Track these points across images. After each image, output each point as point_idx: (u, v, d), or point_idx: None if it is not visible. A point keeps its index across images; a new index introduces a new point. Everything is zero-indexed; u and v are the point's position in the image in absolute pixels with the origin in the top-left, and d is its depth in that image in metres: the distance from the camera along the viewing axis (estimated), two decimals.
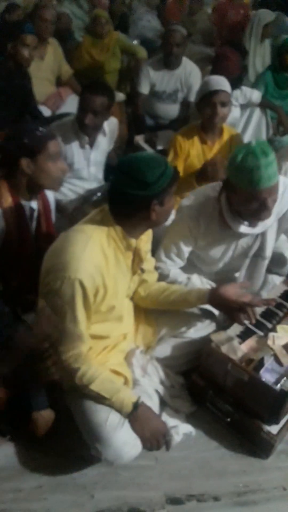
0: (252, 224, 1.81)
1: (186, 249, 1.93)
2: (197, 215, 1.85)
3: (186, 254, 1.95)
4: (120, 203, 1.43)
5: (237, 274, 2.02)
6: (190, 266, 2.04)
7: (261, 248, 1.91)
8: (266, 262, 1.98)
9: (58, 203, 2.57)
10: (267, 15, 4.34)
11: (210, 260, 1.97)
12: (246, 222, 1.80)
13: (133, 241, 1.48)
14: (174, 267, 1.97)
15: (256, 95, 3.36)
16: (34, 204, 1.83)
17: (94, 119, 2.41)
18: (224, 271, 2.02)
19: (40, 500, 1.57)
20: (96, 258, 1.39)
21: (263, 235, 1.88)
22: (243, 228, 1.81)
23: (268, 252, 1.93)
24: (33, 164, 1.67)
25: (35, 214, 1.85)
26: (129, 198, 1.38)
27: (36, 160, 1.67)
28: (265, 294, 2.10)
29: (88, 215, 1.53)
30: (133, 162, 1.39)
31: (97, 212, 1.50)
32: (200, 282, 1.93)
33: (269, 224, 1.84)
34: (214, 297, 1.69)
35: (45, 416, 1.54)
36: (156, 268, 1.92)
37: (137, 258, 1.57)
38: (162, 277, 1.92)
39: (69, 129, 2.50)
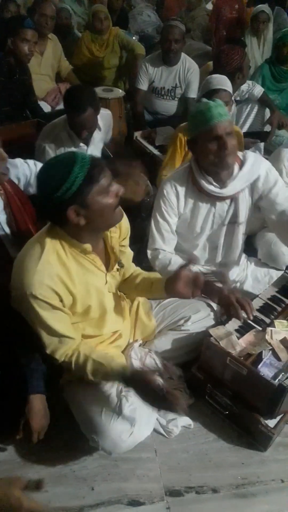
0: (220, 184, 1.86)
1: (172, 221, 1.99)
2: (173, 184, 1.94)
3: (174, 227, 2.00)
4: (48, 217, 1.38)
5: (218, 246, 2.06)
6: (177, 252, 2.08)
7: (235, 214, 1.95)
8: (242, 228, 2.01)
9: None
10: (262, 8, 4.36)
11: (194, 234, 2.02)
12: (216, 184, 1.86)
13: (87, 246, 1.41)
14: (170, 249, 2.01)
15: (258, 89, 3.36)
16: None
17: (88, 130, 2.39)
18: (208, 245, 2.07)
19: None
20: (52, 269, 1.35)
21: (235, 201, 1.93)
22: (214, 188, 1.86)
23: (242, 218, 1.97)
24: None
25: (0, 205, 1.73)
26: (50, 211, 1.32)
27: None
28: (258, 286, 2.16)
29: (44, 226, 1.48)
30: (42, 173, 1.30)
31: (49, 223, 1.44)
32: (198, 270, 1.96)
33: (238, 188, 1.88)
34: (168, 288, 1.57)
35: (40, 400, 1.51)
36: (154, 256, 1.96)
37: (112, 256, 1.56)
38: (163, 265, 1.95)
39: (61, 130, 2.46)
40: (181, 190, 1.94)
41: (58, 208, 1.28)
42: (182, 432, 1.77)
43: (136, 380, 1.35)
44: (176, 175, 1.97)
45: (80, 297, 1.45)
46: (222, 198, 1.91)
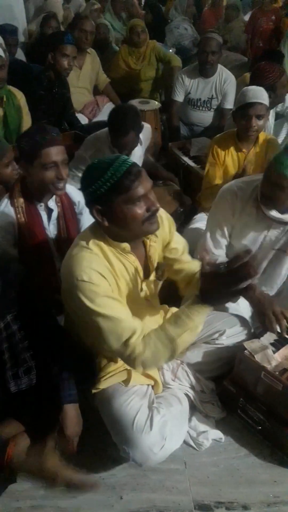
0: (282, 211, 1.81)
1: (227, 228, 1.97)
2: (235, 194, 1.90)
3: (227, 233, 1.98)
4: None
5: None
6: None
7: (286, 243, 1.91)
8: None
9: None
10: None
11: (238, 250, 1.97)
12: (277, 210, 1.81)
13: (124, 245, 1.41)
14: (220, 254, 1.98)
15: None
16: (52, 205, 1.85)
17: (131, 149, 2.48)
18: None
19: (70, 498, 1.59)
20: (100, 260, 1.38)
21: None
22: (274, 213, 1.81)
23: None
24: (29, 168, 1.72)
25: (55, 214, 1.87)
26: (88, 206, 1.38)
27: (32, 166, 1.71)
28: None
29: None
30: (86, 167, 1.38)
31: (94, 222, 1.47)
32: None
33: None
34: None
35: (74, 408, 1.52)
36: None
37: (149, 262, 1.56)
38: None
39: (104, 143, 2.53)
40: (241, 201, 1.90)
41: (87, 204, 1.37)
42: (213, 445, 1.75)
43: (206, 285, 1.24)
44: (241, 185, 1.92)
45: (123, 293, 1.45)
46: (280, 223, 1.87)
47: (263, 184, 1.78)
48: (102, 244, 1.41)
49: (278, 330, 1.73)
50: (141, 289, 1.55)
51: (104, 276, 1.36)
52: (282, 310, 1.74)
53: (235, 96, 3.59)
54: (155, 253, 1.57)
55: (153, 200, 1.34)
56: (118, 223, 1.34)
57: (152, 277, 1.58)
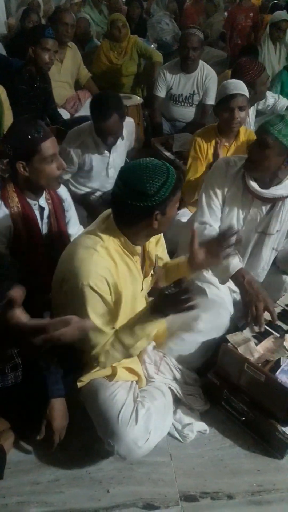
0: (263, 185, 1.87)
1: (221, 198, 2.00)
2: (226, 168, 1.98)
3: (221, 204, 2.01)
4: (122, 213, 1.41)
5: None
6: None
7: (267, 225, 1.96)
8: (271, 241, 2.00)
9: (84, 198, 2.64)
10: (277, 15, 4.36)
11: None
12: (259, 184, 1.87)
13: (138, 248, 1.49)
14: (215, 224, 2.00)
15: (282, 103, 3.32)
16: (43, 203, 1.84)
17: (114, 136, 2.46)
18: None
19: (57, 493, 1.60)
20: (107, 262, 1.41)
21: (271, 213, 1.94)
22: (254, 185, 1.87)
23: (272, 229, 1.96)
24: (28, 166, 1.67)
25: (46, 212, 1.86)
26: (130, 208, 1.35)
27: (31, 163, 1.66)
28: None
29: (95, 222, 1.54)
30: (134, 172, 1.35)
31: (102, 219, 1.51)
32: (238, 260, 1.93)
33: (278, 194, 1.88)
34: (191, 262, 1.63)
35: (60, 402, 1.54)
36: (200, 229, 1.94)
37: (147, 262, 1.60)
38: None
39: (87, 135, 2.53)
40: (230, 177, 1.95)
41: (145, 209, 1.35)
42: (198, 437, 1.77)
43: (159, 301, 1.39)
44: (230, 164, 1.99)
45: (123, 296, 1.47)
46: (260, 199, 1.91)
47: (250, 147, 1.83)
48: (110, 246, 1.43)
49: (256, 329, 1.78)
50: (142, 288, 1.58)
51: (109, 283, 1.40)
52: (267, 305, 1.74)
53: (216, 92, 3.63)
54: (154, 248, 1.61)
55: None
56: (165, 224, 1.43)
57: (151, 273, 1.61)
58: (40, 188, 1.78)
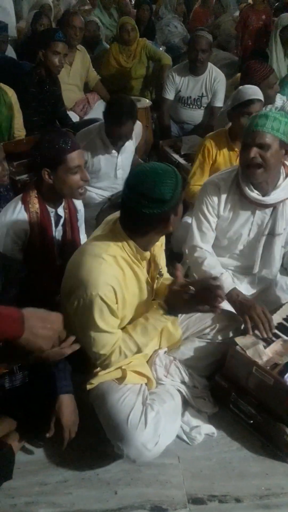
0: (263, 192, 1.87)
1: (213, 220, 2.00)
2: (217, 185, 1.96)
3: (214, 225, 2.02)
4: (136, 222, 1.39)
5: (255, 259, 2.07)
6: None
7: (274, 225, 1.96)
8: (279, 240, 2.00)
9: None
10: (285, 18, 4.32)
11: (230, 240, 2.03)
12: (256, 191, 1.87)
13: (147, 254, 1.50)
14: (207, 248, 2.02)
15: None
16: (61, 211, 1.90)
17: (126, 139, 2.53)
18: (244, 254, 2.07)
19: (65, 494, 1.61)
20: (113, 270, 1.41)
21: (275, 213, 1.94)
22: (256, 195, 1.86)
23: (279, 229, 1.97)
24: (53, 174, 1.73)
25: (62, 221, 1.92)
26: (146, 217, 1.34)
27: (56, 171, 1.72)
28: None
29: (100, 228, 1.55)
30: (146, 179, 1.32)
31: (109, 226, 1.50)
32: (231, 280, 1.98)
33: (281, 197, 1.88)
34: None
35: (69, 398, 1.55)
36: (190, 253, 1.99)
37: (153, 265, 1.61)
38: (197, 263, 1.97)
39: (96, 136, 2.56)
40: (224, 191, 1.95)
41: (162, 215, 1.35)
42: (205, 439, 1.77)
43: (172, 301, 1.45)
44: (221, 176, 1.99)
45: (128, 303, 1.49)
46: (263, 206, 1.91)
47: (246, 156, 1.79)
48: (117, 254, 1.43)
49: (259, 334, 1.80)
50: (148, 290, 1.59)
51: (116, 292, 1.41)
52: (263, 310, 1.81)
53: (225, 95, 3.63)
54: (159, 252, 1.62)
55: None
56: (177, 220, 1.44)
57: (157, 276, 1.62)
58: (62, 197, 1.84)
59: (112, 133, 2.46)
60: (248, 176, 1.83)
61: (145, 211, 1.33)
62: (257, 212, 1.95)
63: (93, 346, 1.46)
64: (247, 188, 1.86)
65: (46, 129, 2.74)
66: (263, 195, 1.87)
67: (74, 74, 3.86)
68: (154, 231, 1.42)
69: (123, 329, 1.54)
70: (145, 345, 1.52)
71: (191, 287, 1.42)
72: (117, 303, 1.44)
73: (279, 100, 3.28)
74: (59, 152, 1.69)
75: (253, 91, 2.36)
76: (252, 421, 1.76)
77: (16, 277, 1.48)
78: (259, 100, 2.35)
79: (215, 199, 1.96)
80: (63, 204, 1.90)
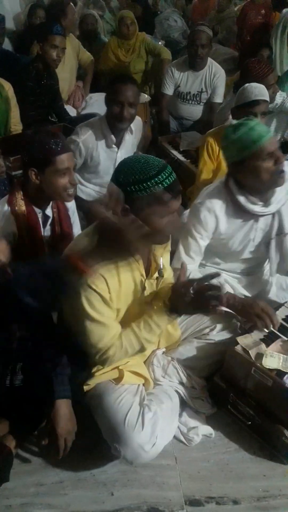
0: (264, 201, 1.83)
1: (203, 244, 1.96)
2: (211, 208, 1.86)
3: (203, 249, 1.98)
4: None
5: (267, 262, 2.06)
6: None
7: (280, 225, 1.93)
8: None
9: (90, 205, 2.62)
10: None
11: (237, 250, 1.99)
12: (260, 203, 1.83)
13: (138, 257, 1.47)
14: (193, 266, 1.97)
15: None
16: (48, 212, 1.86)
17: (131, 110, 2.40)
18: (253, 258, 2.05)
19: (61, 495, 1.59)
20: (107, 262, 1.39)
21: (279, 213, 1.90)
22: (259, 208, 1.83)
23: (287, 228, 1.93)
24: (40, 175, 1.69)
25: (49, 221, 1.89)
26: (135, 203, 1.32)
27: (43, 172, 1.68)
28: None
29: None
30: (127, 164, 1.32)
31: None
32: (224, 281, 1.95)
33: (282, 201, 1.86)
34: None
35: (66, 404, 1.51)
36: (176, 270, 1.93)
37: (153, 263, 1.58)
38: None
39: (97, 128, 2.51)
40: (221, 211, 1.87)
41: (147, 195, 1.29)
42: (203, 441, 1.76)
43: (174, 301, 1.45)
44: (212, 196, 1.89)
45: (122, 297, 1.46)
46: (265, 215, 1.88)
47: (250, 177, 1.76)
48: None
49: (266, 329, 1.77)
50: (145, 288, 1.55)
51: (108, 283, 1.38)
52: (265, 306, 1.78)
53: (224, 90, 3.59)
54: (160, 251, 1.59)
55: (178, 217, 1.41)
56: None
57: (156, 275, 1.59)
58: (48, 198, 1.81)
59: (116, 99, 2.34)
60: (282, 182, 1.78)
61: (133, 196, 1.29)
62: (260, 219, 1.91)
63: (89, 337, 1.43)
64: (249, 204, 1.82)
65: (36, 129, 2.68)
66: (265, 202, 1.83)
67: (68, 61, 3.76)
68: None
69: (127, 326, 1.52)
70: (148, 341, 1.50)
71: (191, 288, 1.40)
72: (109, 292, 1.41)
73: (279, 97, 3.24)
74: (48, 153, 1.65)
75: (259, 91, 2.31)
76: (250, 422, 1.74)
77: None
78: (265, 101, 2.31)
79: (211, 223, 1.88)
80: (51, 204, 1.86)
